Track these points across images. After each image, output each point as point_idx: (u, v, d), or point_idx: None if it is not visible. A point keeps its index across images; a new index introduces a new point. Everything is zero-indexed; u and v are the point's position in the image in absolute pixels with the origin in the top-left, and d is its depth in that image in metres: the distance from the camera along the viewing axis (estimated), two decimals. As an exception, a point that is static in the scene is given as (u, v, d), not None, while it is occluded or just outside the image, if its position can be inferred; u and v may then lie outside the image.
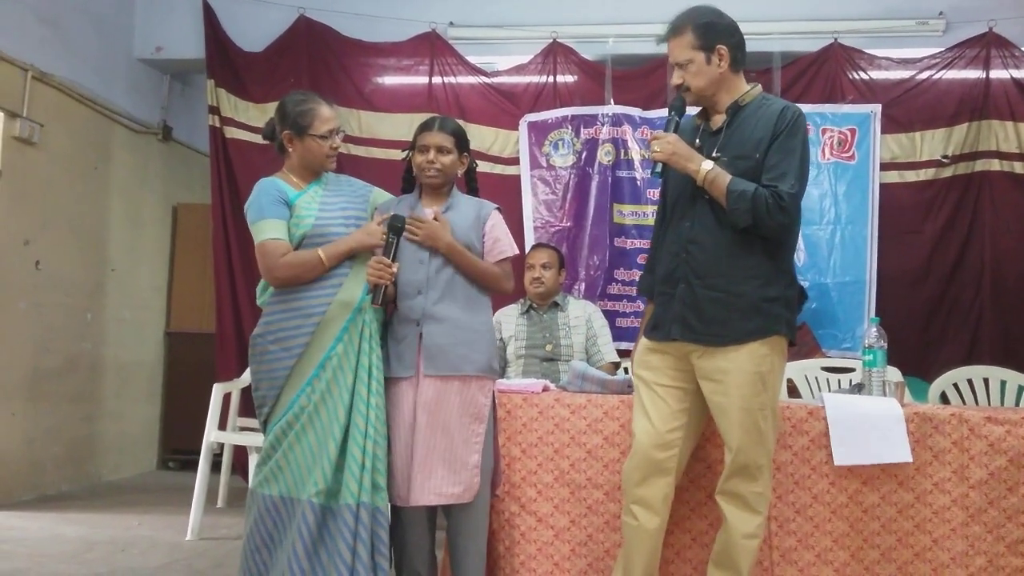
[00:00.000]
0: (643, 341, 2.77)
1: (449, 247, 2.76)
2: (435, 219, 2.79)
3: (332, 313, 2.72)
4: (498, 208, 2.95)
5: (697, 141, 2.67)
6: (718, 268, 2.59)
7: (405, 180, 2.96)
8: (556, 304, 4.15)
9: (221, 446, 4.68)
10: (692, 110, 2.78)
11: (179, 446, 6.07)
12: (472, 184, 3.00)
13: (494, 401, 2.87)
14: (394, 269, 2.70)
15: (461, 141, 2.87)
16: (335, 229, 2.78)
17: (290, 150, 2.84)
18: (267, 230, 2.73)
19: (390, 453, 2.73)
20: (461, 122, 3.35)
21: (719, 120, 2.69)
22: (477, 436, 2.75)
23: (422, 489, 2.68)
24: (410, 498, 2.69)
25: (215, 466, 4.40)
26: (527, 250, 4.42)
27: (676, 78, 2.65)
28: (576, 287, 5.00)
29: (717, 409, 2.61)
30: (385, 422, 2.74)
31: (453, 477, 2.70)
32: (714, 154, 2.61)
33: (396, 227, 2.73)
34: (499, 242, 2.87)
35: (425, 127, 2.86)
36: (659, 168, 2.63)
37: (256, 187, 2.83)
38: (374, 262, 2.70)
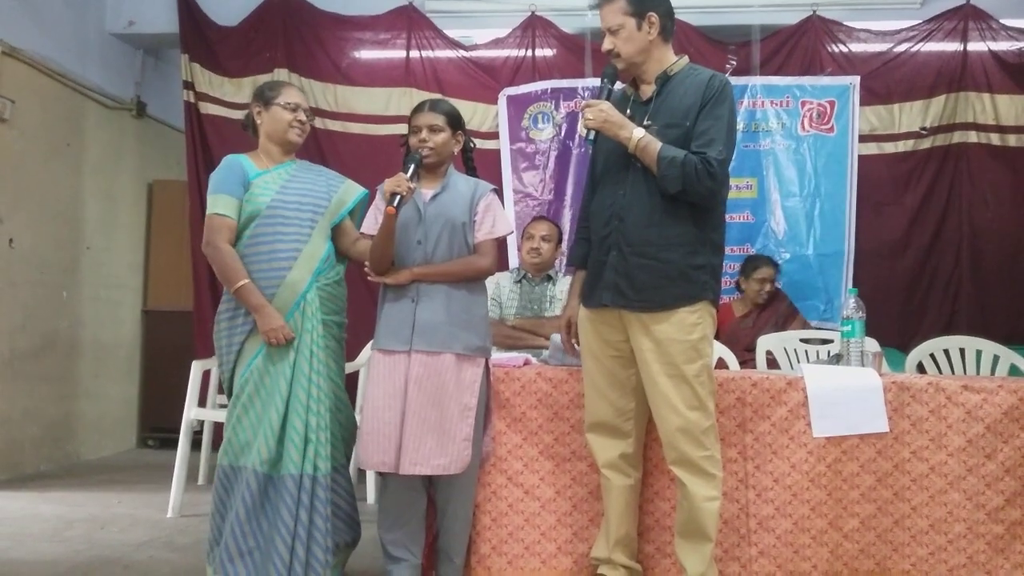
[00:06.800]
0: (583, 311, 2.84)
1: (416, 275, 2.85)
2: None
3: (279, 292, 2.84)
4: (495, 189, 3.02)
5: (628, 111, 2.71)
6: (648, 236, 2.65)
7: (405, 165, 2.99)
8: (549, 277, 4.18)
9: (201, 423, 4.67)
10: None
11: (158, 424, 6.01)
12: (470, 163, 3.08)
13: (487, 378, 2.93)
14: (412, 185, 2.76)
15: (453, 120, 2.96)
16: (287, 213, 2.90)
17: (259, 123, 2.99)
18: (217, 204, 2.89)
19: (373, 421, 2.80)
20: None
21: (648, 90, 2.75)
22: (468, 410, 2.83)
23: (412, 459, 2.76)
24: (400, 467, 2.77)
25: (195, 443, 4.40)
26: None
27: (607, 43, 2.71)
28: (558, 260, 4.99)
29: (649, 379, 2.66)
30: (330, 394, 2.89)
31: (442, 449, 2.77)
32: (645, 123, 2.67)
33: (415, 158, 2.84)
34: (485, 222, 2.93)
35: (418, 109, 2.97)
36: (592, 136, 2.68)
37: (222, 161, 2.97)
38: (392, 180, 2.76)
